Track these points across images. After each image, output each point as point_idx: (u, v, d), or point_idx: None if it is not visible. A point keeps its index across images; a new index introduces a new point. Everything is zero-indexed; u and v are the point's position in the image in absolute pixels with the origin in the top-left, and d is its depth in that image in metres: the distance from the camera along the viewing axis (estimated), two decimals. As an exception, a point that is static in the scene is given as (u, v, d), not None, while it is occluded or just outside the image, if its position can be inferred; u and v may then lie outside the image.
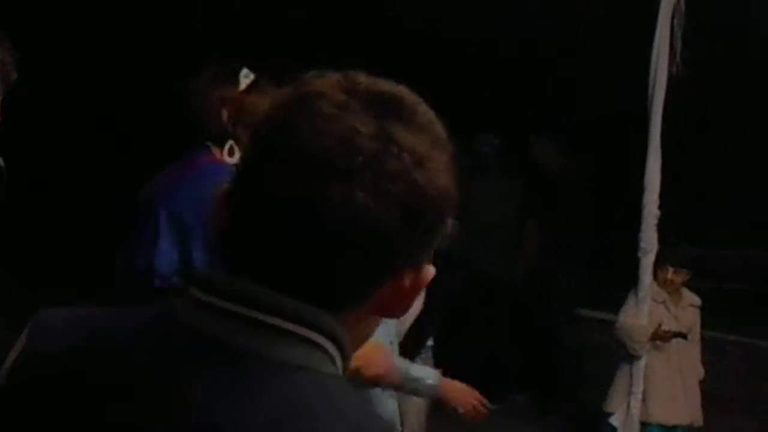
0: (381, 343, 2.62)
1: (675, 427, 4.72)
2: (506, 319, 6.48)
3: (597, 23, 6.20)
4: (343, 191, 0.85)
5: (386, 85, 0.92)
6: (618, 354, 4.71)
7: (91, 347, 0.92)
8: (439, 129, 0.92)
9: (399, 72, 0.95)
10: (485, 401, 3.02)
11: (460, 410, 2.95)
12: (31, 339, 0.97)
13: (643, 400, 4.56)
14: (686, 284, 4.83)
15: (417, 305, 2.41)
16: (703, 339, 4.96)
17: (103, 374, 0.90)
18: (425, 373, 2.84)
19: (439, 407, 3.22)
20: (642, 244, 4.40)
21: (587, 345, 6.18)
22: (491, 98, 7.18)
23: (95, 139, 7.50)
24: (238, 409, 0.85)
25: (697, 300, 4.89)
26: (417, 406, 3.78)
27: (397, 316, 0.96)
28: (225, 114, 2.70)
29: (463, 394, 2.95)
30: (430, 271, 0.94)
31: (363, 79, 0.92)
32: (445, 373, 2.92)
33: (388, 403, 2.78)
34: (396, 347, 2.86)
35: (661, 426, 4.68)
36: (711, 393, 4.92)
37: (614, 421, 4.60)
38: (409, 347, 3.09)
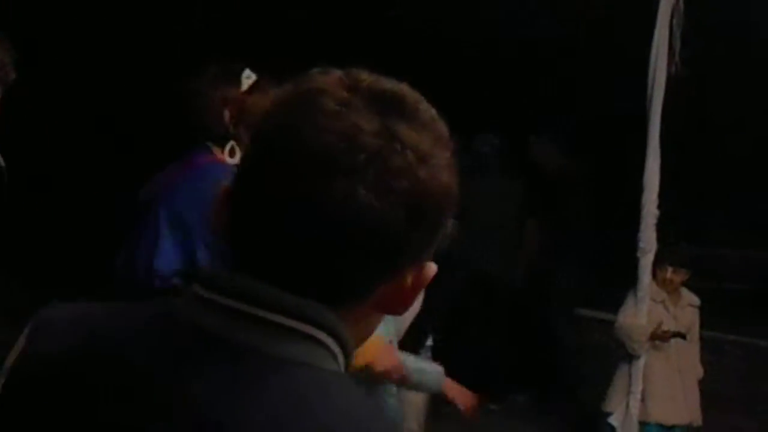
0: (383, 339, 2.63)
1: (674, 426, 4.72)
2: (506, 319, 6.48)
3: (597, 23, 6.19)
4: (346, 188, 0.85)
5: (388, 83, 0.92)
6: (617, 354, 4.71)
7: (91, 347, 0.92)
8: (441, 126, 0.93)
9: (399, 72, 0.95)
10: (481, 402, 3.05)
11: (460, 406, 2.97)
12: (32, 338, 0.97)
13: (642, 399, 4.57)
14: (685, 284, 4.84)
15: (416, 305, 2.42)
16: (702, 339, 4.96)
17: (102, 374, 0.90)
18: (429, 366, 2.87)
19: (438, 407, 3.23)
20: (641, 244, 4.40)
21: (587, 345, 6.18)
22: (491, 98, 7.18)
23: (95, 139, 7.50)
24: (238, 406, 0.85)
25: (696, 300, 4.89)
26: (416, 406, 3.78)
27: (399, 313, 0.96)
28: (227, 114, 2.69)
29: (462, 391, 2.98)
30: (431, 268, 0.94)
31: (365, 76, 0.92)
32: (445, 373, 2.94)
33: (390, 402, 2.78)
34: (395, 346, 2.87)
35: (660, 426, 4.68)
36: (710, 393, 4.92)
37: (613, 420, 4.61)
38: (409, 347, 3.10)
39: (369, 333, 0.98)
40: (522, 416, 6.21)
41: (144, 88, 6.80)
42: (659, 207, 4.37)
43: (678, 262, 4.72)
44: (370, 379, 2.51)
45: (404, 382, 2.78)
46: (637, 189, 4.40)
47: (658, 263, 4.56)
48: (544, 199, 6.37)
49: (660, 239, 4.43)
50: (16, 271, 5.83)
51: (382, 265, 0.89)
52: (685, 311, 4.83)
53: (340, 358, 0.92)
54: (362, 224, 0.85)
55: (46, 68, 6.63)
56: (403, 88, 0.92)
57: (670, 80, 4.28)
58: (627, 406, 4.55)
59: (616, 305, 4.74)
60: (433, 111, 0.93)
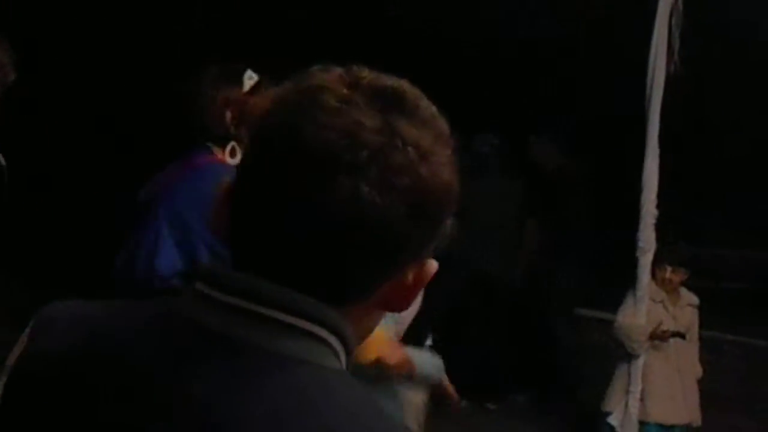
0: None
1: (673, 426, 4.73)
2: (506, 319, 6.48)
3: (597, 23, 6.20)
4: (349, 185, 0.84)
5: (389, 80, 0.92)
6: (617, 353, 4.71)
7: (92, 346, 0.92)
8: (442, 123, 0.93)
9: (399, 72, 0.96)
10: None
11: (454, 396, 3.00)
12: (33, 337, 0.97)
13: (642, 399, 4.57)
14: (684, 283, 4.84)
15: (415, 305, 2.42)
16: (701, 338, 4.96)
17: (102, 374, 0.90)
18: (429, 357, 2.89)
19: (438, 407, 3.23)
20: (640, 244, 4.41)
21: (587, 345, 6.19)
22: (491, 98, 7.18)
23: (95, 139, 7.50)
24: (239, 403, 0.85)
25: (695, 299, 4.90)
26: (416, 405, 3.78)
27: (401, 311, 0.96)
28: (228, 115, 2.69)
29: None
30: (432, 265, 0.94)
31: (365, 73, 0.92)
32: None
33: (391, 401, 2.79)
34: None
35: (659, 425, 4.69)
36: (709, 392, 4.93)
37: (612, 420, 4.61)
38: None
39: (370, 331, 0.98)
40: (522, 416, 6.21)
41: (144, 88, 6.80)
42: (658, 207, 4.37)
43: (677, 261, 4.73)
44: (382, 373, 2.52)
45: (412, 374, 2.80)
46: (637, 189, 4.40)
47: (657, 263, 4.56)
48: (544, 199, 6.37)
49: (659, 239, 4.43)
50: (16, 271, 5.83)
51: (383, 262, 0.89)
52: (684, 311, 4.83)
53: (342, 356, 0.92)
54: (365, 221, 0.85)
55: (47, 68, 6.64)
56: (404, 85, 0.92)
57: (669, 80, 4.28)
58: (626, 405, 4.55)
59: (615, 305, 4.74)
60: (434, 108, 0.93)
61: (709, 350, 5.24)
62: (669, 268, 4.70)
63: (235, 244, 0.92)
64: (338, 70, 0.92)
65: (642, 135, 4.37)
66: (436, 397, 3.08)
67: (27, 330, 0.99)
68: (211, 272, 0.92)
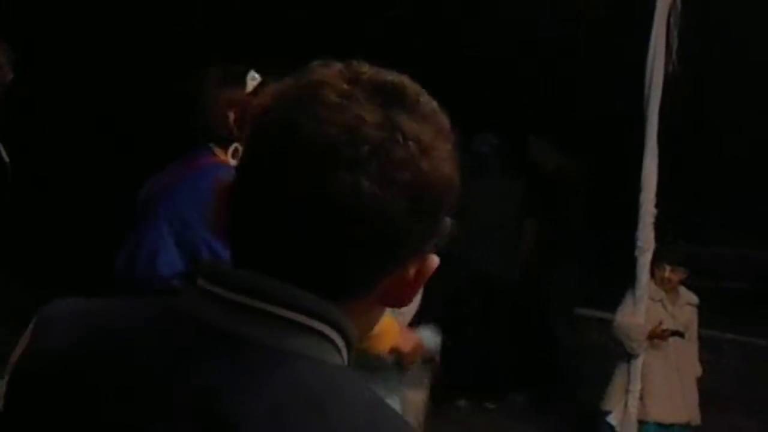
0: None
1: (672, 425, 4.72)
2: (506, 318, 6.48)
3: (597, 23, 6.21)
4: (350, 180, 0.84)
5: (389, 75, 0.92)
6: (616, 353, 4.71)
7: (92, 345, 0.92)
8: (442, 118, 0.93)
9: (399, 71, 0.96)
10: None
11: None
12: (35, 335, 0.97)
13: (641, 398, 4.57)
14: (683, 283, 4.84)
15: (414, 303, 2.43)
16: (700, 337, 4.96)
17: (103, 373, 0.90)
18: (432, 336, 2.91)
19: (438, 407, 3.24)
20: (639, 243, 4.40)
21: (586, 344, 6.19)
22: (491, 98, 7.19)
23: (95, 139, 7.50)
24: (240, 399, 0.84)
25: (694, 298, 4.90)
26: (415, 405, 3.79)
27: (402, 306, 0.95)
28: (231, 116, 2.69)
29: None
30: (434, 260, 0.94)
31: (365, 68, 0.92)
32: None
33: (392, 400, 2.79)
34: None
35: (659, 424, 4.68)
36: (708, 392, 4.92)
37: (612, 419, 4.61)
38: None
39: (371, 326, 0.98)
40: (522, 416, 6.21)
41: (144, 88, 6.80)
42: (657, 206, 4.37)
43: (676, 261, 4.73)
44: (400, 361, 2.54)
45: (427, 357, 2.82)
46: (636, 188, 4.40)
47: (656, 262, 4.56)
48: (544, 199, 6.38)
49: (658, 238, 4.43)
50: (17, 271, 5.83)
51: (384, 257, 0.89)
52: (684, 310, 4.83)
53: (344, 352, 0.92)
54: (366, 216, 0.85)
55: (47, 68, 6.65)
56: (404, 80, 0.92)
57: (668, 80, 4.28)
58: (626, 405, 4.55)
59: (615, 305, 4.74)
60: (434, 103, 0.93)
61: (708, 350, 5.24)
62: (668, 268, 4.70)
63: (236, 241, 0.92)
64: (338, 66, 0.92)
65: (641, 135, 4.37)
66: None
67: (30, 327, 0.99)
68: (213, 269, 0.92)
